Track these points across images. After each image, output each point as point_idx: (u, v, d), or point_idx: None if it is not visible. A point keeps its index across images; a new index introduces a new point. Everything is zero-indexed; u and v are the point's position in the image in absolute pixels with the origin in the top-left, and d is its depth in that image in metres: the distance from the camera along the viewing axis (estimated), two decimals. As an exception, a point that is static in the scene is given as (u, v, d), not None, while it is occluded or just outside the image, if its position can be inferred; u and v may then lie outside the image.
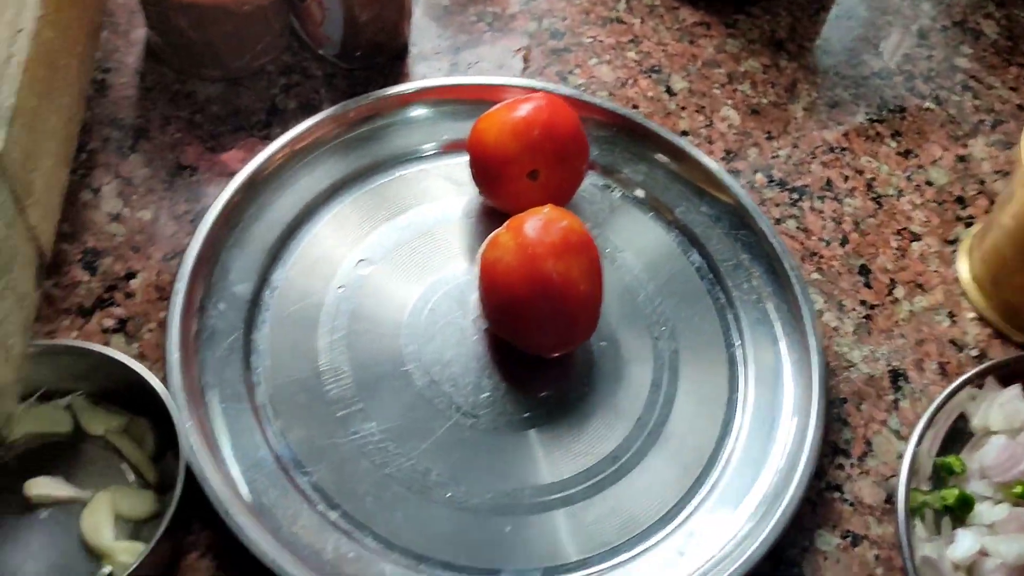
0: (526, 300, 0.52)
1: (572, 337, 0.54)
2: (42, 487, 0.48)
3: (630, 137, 0.65)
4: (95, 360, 0.49)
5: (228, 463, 0.50)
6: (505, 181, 0.58)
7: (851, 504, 0.53)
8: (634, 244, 0.62)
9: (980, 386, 0.56)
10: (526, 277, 0.51)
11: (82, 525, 0.47)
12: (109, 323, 0.55)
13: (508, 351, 0.56)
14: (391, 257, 0.59)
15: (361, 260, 0.59)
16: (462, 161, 0.62)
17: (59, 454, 0.50)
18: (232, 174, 0.60)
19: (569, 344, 0.55)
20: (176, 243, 0.58)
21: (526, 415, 0.54)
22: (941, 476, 0.53)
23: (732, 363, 0.57)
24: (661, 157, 0.65)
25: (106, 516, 0.47)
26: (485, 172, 0.58)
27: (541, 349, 0.55)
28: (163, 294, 0.56)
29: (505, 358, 0.56)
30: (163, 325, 0.55)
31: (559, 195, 0.58)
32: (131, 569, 0.43)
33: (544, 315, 0.52)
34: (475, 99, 0.65)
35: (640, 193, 0.64)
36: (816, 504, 0.53)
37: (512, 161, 0.57)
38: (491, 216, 0.61)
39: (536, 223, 0.52)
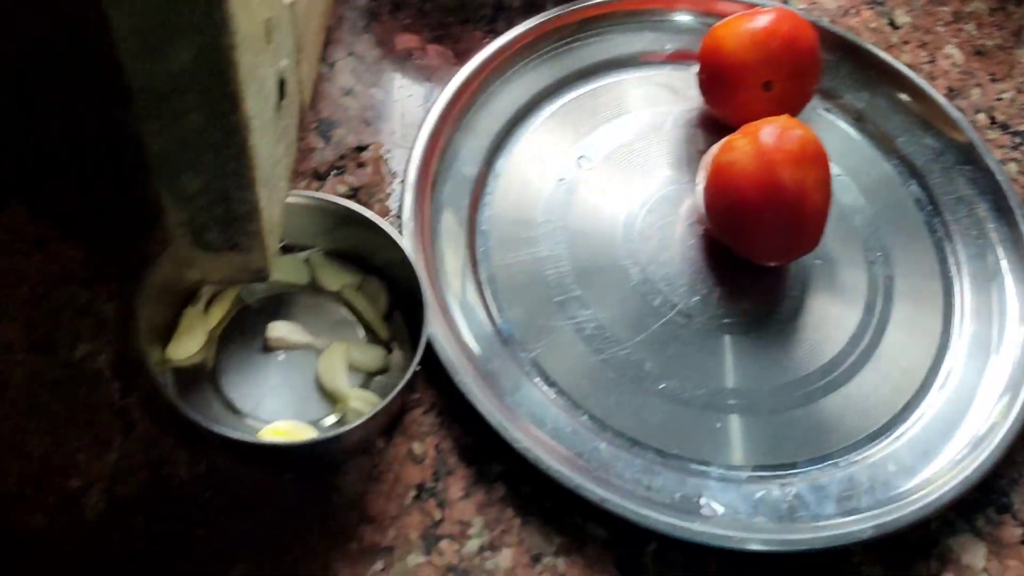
0: (757, 205, 0.52)
1: (796, 247, 0.54)
2: (282, 331, 0.50)
3: (855, 64, 0.64)
4: (342, 217, 0.51)
5: (459, 329, 0.51)
6: (738, 90, 0.58)
7: (1065, 445, 0.52)
8: (853, 169, 0.61)
9: None
10: (760, 182, 0.51)
11: (319, 369, 0.50)
12: (342, 189, 0.57)
13: (723, 258, 0.56)
14: (611, 156, 0.60)
15: (581, 156, 0.60)
16: (683, 70, 0.62)
17: (295, 304, 0.52)
18: (458, 64, 0.61)
19: (791, 254, 0.55)
20: (404, 123, 0.60)
21: (740, 320, 0.54)
22: None
23: (948, 294, 0.56)
24: (886, 87, 0.64)
25: (341, 363, 0.50)
26: (719, 79, 0.58)
27: (762, 257, 0.55)
28: (392, 168, 0.58)
29: (720, 264, 0.56)
30: (392, 197, 0.56)
31: (788, 110, 0.57)
32: (365, 418, 0.45)
33: (773, 222, 0.52)
34: (701, 11, 0.65)
35: (861, 120, 0.63)
36: (1028, 440, 0.52)
37: (749, 70, 0.57)
38: (709, 126, 0.61)
39: (774, 130, 0.52)
